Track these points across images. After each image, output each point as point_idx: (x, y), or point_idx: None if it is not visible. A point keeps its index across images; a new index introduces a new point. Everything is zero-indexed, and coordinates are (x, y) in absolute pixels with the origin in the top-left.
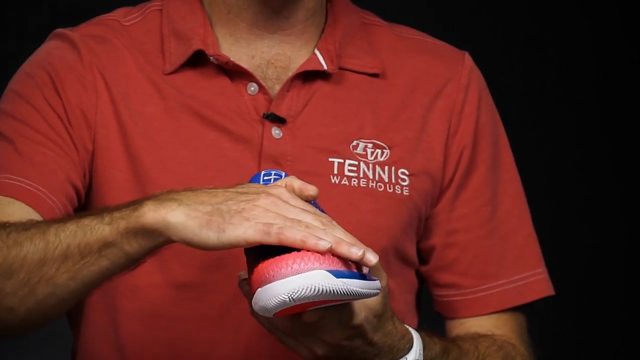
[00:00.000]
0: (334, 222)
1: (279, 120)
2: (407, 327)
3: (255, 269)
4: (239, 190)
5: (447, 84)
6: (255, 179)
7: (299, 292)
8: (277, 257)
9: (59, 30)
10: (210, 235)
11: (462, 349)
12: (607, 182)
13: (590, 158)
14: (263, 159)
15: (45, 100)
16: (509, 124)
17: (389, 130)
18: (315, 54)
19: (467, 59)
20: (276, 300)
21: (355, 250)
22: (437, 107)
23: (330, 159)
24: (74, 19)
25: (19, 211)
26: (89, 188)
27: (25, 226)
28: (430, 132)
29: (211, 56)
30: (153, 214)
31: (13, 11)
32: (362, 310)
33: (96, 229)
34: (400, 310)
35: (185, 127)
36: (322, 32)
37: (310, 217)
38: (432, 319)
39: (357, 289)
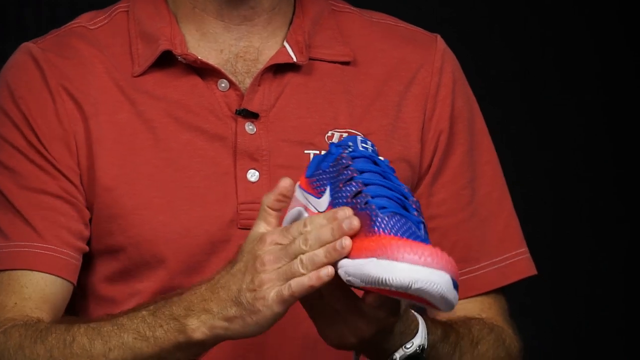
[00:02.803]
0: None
1: (252, 116)
2: (413, 312)
3: (378, 237)
4: (236, 270)
5: (420, 69)
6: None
7: (422, 285)
8: (413, 242)
9: (25, 46)
10: (251, 331)
11: (459, 333)
12: (608, 181)
13: (592, 158)
14: (238, 156)
15: (27, 142)
16: (510, 123)
17: (364, 119)
18: (284, 46)
19: (440, 41)
20: (396, 280)
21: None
22: (411, 93)
23: (306, 151)
24: (74, 19)
25: (36, 289)
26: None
27: (66, 342)
28: (405, 118)
29: (179, 56)
30: (201, 334)
31: (13, 10)
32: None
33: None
34: None
35: (159, 129)
36: (291, 22)
37: (298, 245)
38: None
39: (455, 303)
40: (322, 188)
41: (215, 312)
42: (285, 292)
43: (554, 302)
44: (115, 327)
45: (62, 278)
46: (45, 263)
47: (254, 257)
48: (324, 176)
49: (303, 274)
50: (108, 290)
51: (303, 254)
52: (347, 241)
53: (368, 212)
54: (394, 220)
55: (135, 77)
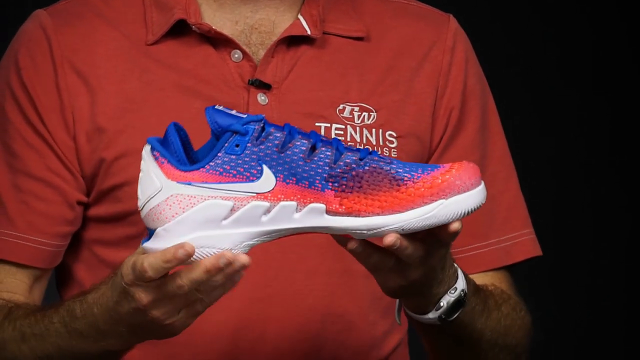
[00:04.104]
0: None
1: (265, 86)
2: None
3: (423, 181)
4: (122, 307)
5: (432, 47)
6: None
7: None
8: (449, 168)
9: (37, 14)
10: (172, 336)
11: (485, 292)
12: (611, 171)
13: (595, 147)
14: None
15: (23, 116)
16: (513, 113)
17: (375, 93)
18: (298, 19)
19: (452, 21)
20: (476, 205)
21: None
22: (423, 70)
23: (317, 124)
24: None
25: (12, 281)
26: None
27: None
28: (417, 94)
29: (193, 25)
30: (123, 347)
31: (13, 10)
32: None
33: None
34: None
35: (170, 98)
36: None
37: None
38: None
39: None
40: (253, 170)
41: (126, 337)
42: (201, 309)
43: (555, 292)
44: (37, 339)
45: (28, 267)
46: (8, 251)
47: (130, 297)
48: (246, 158)
49: (201, 298)
50: (111, 255)
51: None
52: (245, 258)
53: (375, 166)
54: (401, 162)
55: (148, 45)
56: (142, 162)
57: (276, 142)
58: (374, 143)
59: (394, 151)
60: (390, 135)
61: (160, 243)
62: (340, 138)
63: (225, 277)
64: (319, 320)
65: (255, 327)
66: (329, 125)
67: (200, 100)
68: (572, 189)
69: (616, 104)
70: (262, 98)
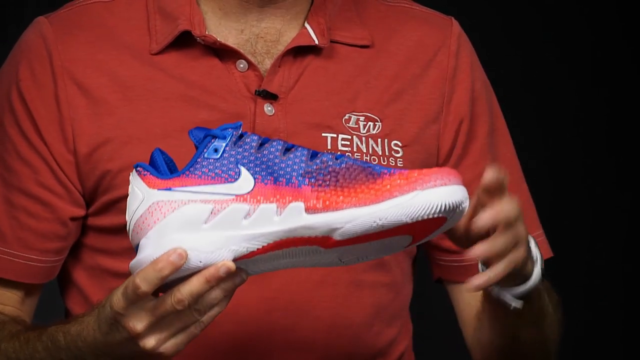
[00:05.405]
0: None
1: (271, 97)
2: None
3: (400, 175)
4: (113, 336)
5: (437, 52)
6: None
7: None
8: (428, 170)
9: (38, 22)
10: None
11: None
12: (608, 171)
13: (591, 147)
14: None
15: (19, 129)
16: (512, 115)
17: (380, 102)
18: (305, 28)
19: (455, 24)
20: (455, 200)
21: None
22: (429, 76)
23: (323, 134)
24: None
25: (3, 294)
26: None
27: None
28: (423, 101)
29: (198, 37)
30: None
31: (13, 10)
32: None
33: None
34: (396, 280)
35: (175, 108)
36: (311, 4)
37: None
38: (427, 285)
39: None
40: (231, 172)
41: None
42: (197, 331)
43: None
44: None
45: (17, 282)
46: (9, 272)
47: (122, 327)
48: (224, 161)
49: (199, 319)
50: (114, 265)
51: (177, 311)
52: (230, 264)
53: (351, 163)
54: (378, 164)
55: (152, 54)
56: (129, 185)
57: (253, 144)
58: (380, 153)
59: (400, 161)
60: (396, 144)
61: (144, 252)
62: (346, 149)
63: (223, 291)
64: (326, 331)
65: (263, 338)
66: (335, 135)
67: (206, 111)
68: (569, 189)
69: (614, 105)
70: (268, 108)
